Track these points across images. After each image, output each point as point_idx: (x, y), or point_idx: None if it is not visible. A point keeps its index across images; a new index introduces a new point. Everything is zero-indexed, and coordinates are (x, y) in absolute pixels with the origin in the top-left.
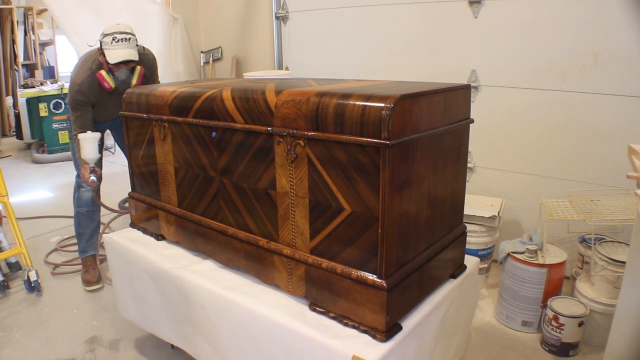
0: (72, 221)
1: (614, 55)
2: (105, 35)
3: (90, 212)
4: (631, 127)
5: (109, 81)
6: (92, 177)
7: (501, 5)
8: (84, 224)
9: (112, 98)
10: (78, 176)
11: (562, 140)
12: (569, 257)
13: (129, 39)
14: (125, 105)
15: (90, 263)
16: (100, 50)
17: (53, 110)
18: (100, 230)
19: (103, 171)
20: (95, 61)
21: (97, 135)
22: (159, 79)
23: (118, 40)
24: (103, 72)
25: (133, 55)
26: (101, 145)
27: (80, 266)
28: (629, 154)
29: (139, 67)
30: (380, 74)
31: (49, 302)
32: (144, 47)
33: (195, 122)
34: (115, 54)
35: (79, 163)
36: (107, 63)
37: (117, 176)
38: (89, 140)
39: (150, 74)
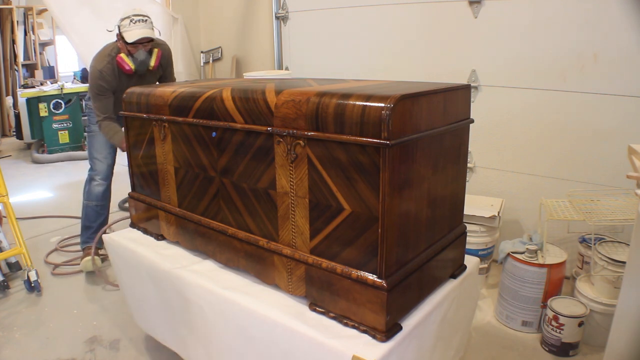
0: (72, 221)
1: (614, 55)
2: (122, 19)
3: (99, 206)
4: (631, 127)
5: (128, 63)
6: None
7: (501, 5)
8: (91, 218)
9: (131, 84)
10: (91, 169)
11: (562, 140)
12: (569, 257)
13: (146, 20)
14: (125, 105)
15: (89, 253)
16: (119, 35)
17: (53, 110)
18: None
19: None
20: (114, 49)
21: None
22: (174, 74)
23: (135, 22)
24: (122, 55)
25: (150, 34)
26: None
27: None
28: (629, 154)
29: (156, 49)
30: (380, 74)
31: (49, 302)
32: (160, 32)
33: (195, 122)
34: (133, 33)
35: (93, 155)
36: (126, 45)
37: (117, 176)
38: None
39: (166, 64)
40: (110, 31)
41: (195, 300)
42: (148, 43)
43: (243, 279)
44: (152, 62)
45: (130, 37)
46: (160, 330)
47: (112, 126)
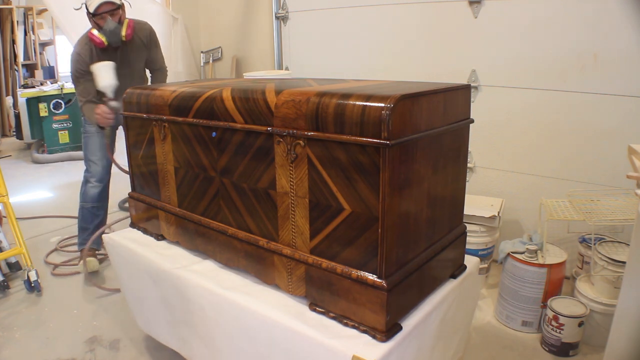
0: (72, 221)
1: (614, 55)
2: None
3: (95, 208)
4: (631, 127)
5: (99, 36)
6: (113, 104)
7: (501, 5)
8: (87, 219)
9: (114, 61)
10: (87, 171)
11: (562, 140)
12: (569, 257)
13: None
14: (125, 105)
15: (89, 254)
16: (88, 14)
17: (53, 110)
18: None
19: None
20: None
21: (111, 63)
22: (164, 60)
23: None
24: (92, 30)
25: None
26: (113, 142)
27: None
28: (629, 154)
29: (127, 20)
30: (380, 74)
31: (49, 302)
32: (130, 5)
33: (195, 122)
34: (95, 2)
35: (88, 157)
36: (93, 19)
37: (117, 176)
38: (102, 68)
39: (150, 43)
40: (78, 9)
41: (195, 300)
42: (116, 11)
43: (243, 279)
44: (123, 32)
45: (92, 6)
46: (162, 331)
47: (93, 107)
